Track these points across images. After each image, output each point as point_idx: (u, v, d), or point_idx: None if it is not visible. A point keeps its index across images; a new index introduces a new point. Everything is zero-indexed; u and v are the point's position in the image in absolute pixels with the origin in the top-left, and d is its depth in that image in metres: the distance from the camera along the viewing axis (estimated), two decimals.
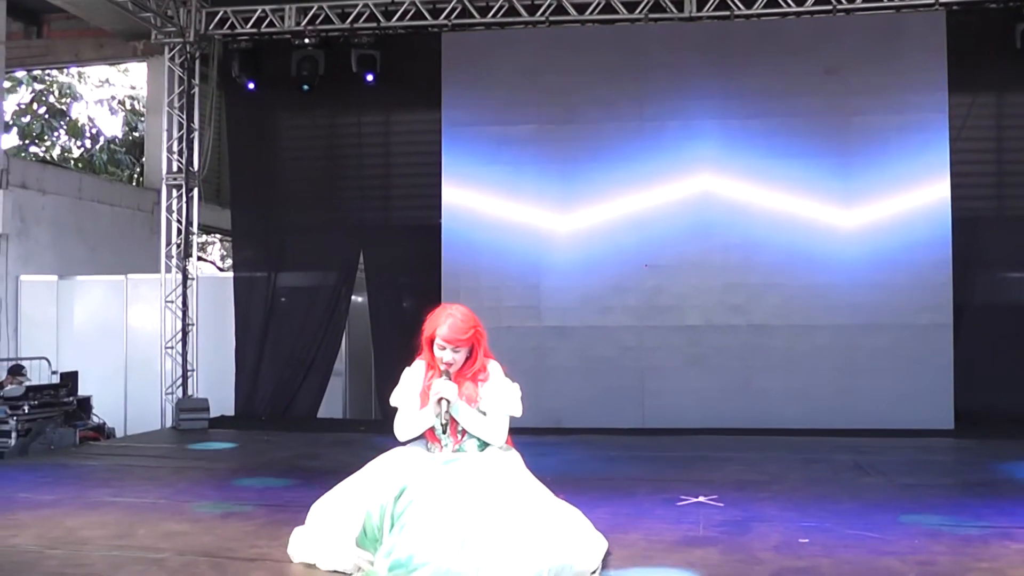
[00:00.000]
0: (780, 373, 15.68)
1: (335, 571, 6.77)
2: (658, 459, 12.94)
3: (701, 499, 9.67)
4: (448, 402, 6.53)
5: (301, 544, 7.15)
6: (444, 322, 6.68)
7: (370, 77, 17.08)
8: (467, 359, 6.73)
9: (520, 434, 7.00)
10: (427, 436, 6.85)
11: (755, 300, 15.90)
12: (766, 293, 15.87)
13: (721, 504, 9.46)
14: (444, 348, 6.63)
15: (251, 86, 17.65)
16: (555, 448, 13.24)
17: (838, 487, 10.59)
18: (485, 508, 6.28)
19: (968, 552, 7.55)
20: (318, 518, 7.06)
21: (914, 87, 15.65)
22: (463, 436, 6.71)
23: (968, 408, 15.38)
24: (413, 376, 6.85)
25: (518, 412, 6.74)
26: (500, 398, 6.69)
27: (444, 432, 6.65)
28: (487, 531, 6.18)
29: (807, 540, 7.88)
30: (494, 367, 6.81)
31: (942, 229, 15.46)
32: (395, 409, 6.89)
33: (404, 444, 6.88)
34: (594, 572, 6.68)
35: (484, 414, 6.74)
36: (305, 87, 17.31)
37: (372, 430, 15.24)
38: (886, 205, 15.66)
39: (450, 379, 6.65)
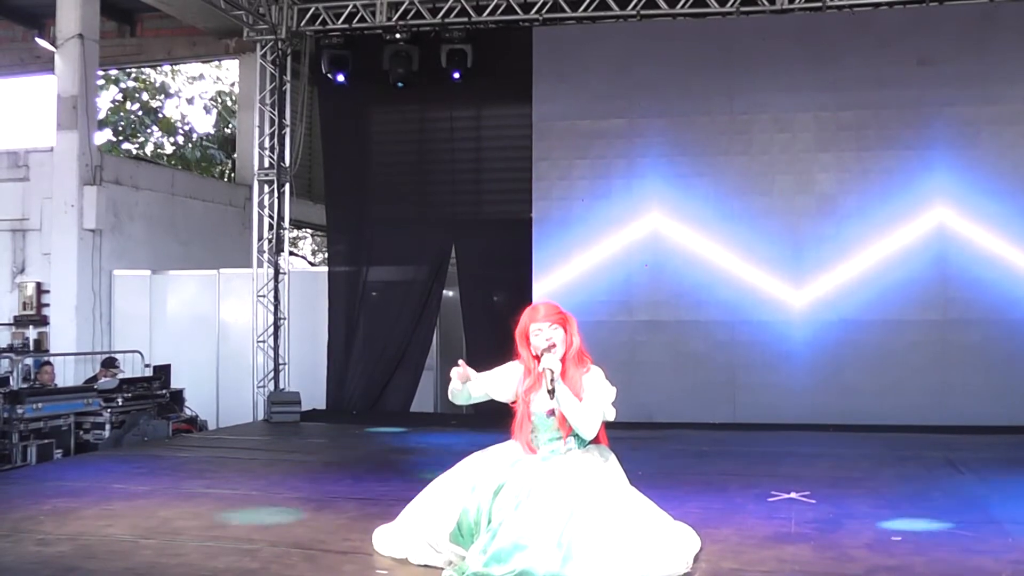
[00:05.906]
0: (872, 369, 15.54)
1: (426, 566, 6.82)
2: (749, 454, 12.93)
3: (793, 495, 9.61)
4: (552, 371, 6.56)
5: (391, 540, 7.21)
6: (535, 309, 6.87)
7: (459, 73, 17.08)
8: (564, 347, 6.79)
9: (611, 428, 7.01)
10: (520, 439, 6.89)
11: (847, 295, 15.76)
12: (858, 288, 15.72)
13: (813, 500, 9.40)
14: (539, 332, 6.74)
15: (342, 81, 17.72)
16: (646, 442, 13.27)
17: (930, 484, 10.46)
18: (581, 508, 6.35)
19: None
20: (410, 514, 7.12)
21: (1009, 78, 15.43)
22: (563, 426, 6.73)
23: None
24: (510, 369, 6.96)
25: (611, 415, 6.78)
26: (598, 392, 6.72)
27: (551, 396, 6.66)
28: (582, 531, 6.26)
29: (899, 538, 7.82)
30: (596, 369, 6.86)
31: None
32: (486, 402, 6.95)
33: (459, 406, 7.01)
34: (686, 568, 6.69)
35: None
36: (400, 84, 17.35)
37: (463, 425, 15.31)
38: (979, 198, 15.45)
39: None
